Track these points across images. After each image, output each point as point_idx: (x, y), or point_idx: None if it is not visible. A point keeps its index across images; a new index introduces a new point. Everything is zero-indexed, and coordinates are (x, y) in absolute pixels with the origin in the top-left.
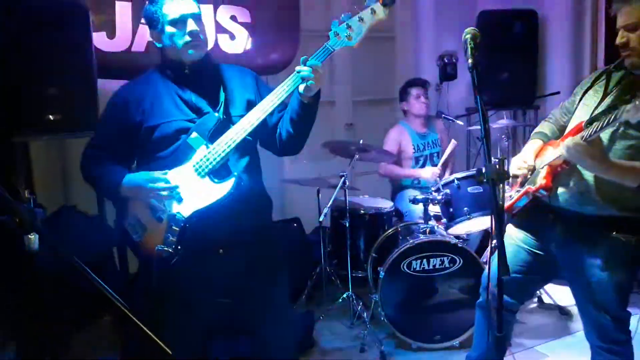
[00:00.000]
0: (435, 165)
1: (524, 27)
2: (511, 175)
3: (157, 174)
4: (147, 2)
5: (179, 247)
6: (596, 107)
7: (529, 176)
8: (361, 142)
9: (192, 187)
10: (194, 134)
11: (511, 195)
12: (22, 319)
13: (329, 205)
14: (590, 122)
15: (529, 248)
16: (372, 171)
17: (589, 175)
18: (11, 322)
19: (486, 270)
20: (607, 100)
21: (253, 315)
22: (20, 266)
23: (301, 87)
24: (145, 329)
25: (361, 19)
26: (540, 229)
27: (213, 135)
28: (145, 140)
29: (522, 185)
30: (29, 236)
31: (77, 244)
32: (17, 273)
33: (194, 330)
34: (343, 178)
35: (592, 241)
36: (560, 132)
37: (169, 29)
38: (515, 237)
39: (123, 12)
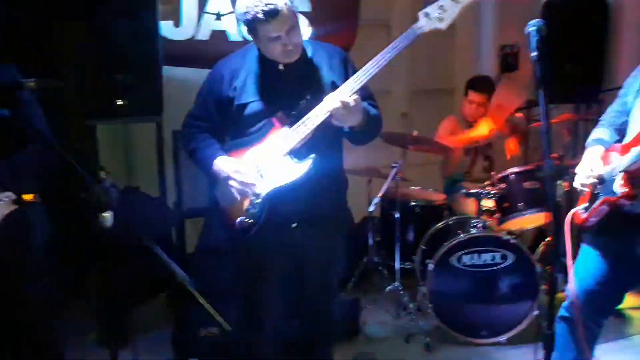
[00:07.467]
0: (487, 158)
1: (593, 18)
2: (579, 186)
3: (244, 166)
4: (240, 10)
5: (259, 219)
6: None
7: (598, 186)
8: (415, 133)
9: (273, 165)
10: (279, 114)
11: (585, 207)
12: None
13: (379, 195)
14: None
15: (611, 257)
16: (426, 162)
17: None
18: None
19: (570, 284)
20: None
21: (312, 290)
22: (95, 242)
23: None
24: (208, 305)
25: None
26: (623, 236)
27: (296, 116)
28: (236, 116)
29: (592, 196)
30: (104, 214)
31: (140, 223)
32: (93, 249)
33: (268, 301)
34: (395, 169)
35: None
36: (619, 136)
37: (265, 42)
38: (595, 249)
39: (188, 1)
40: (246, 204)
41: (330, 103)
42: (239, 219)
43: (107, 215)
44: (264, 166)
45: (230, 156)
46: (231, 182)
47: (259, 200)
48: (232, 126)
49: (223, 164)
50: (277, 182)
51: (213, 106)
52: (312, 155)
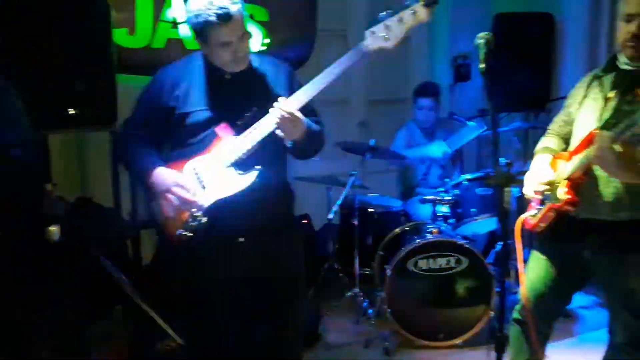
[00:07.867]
0: (442, 167)
1: (540, 30)
2: (530, 193)
3: (185, 179)
4: (191, 13)
5: (200, 232)
6: (601, 114)
7: (546, 192)
8: (373, 142)
9: (216, 176)
10: (224, 125)
11: (533, 213)
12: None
13: (338, 203)
14: (603, 129)
15: (559, 262)
16: (383, 170)
17: (617, 182)
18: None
19: (521, 287)
20: (611, 104)
21: (268, 304)
22: (43, 256)
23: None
24: (157, 318)
25: (400, 20)
26: (569, 241)
27: (242, 128)
28: (178, 125)
29: (541, 203)
30: (51, 228)
31: (93, 235)
32: (40, 263)
33: (211, 317)
34: (353, 177)
35: (630, 247)
36: (565, 145)
37: (215, 48)
38: (544, 254)
39: (143, 9)
40: (186, 216)
41: (277, 113)
42: (178, 232)
43: (54, 229)
44: (207, 177)
45: (170, 167)
46: (169, 197)
47: (200, 213)
48: (172, 136)
49: (162, 176)
50: (220, 193)
51: (152, 114)
52: (258, 167)
